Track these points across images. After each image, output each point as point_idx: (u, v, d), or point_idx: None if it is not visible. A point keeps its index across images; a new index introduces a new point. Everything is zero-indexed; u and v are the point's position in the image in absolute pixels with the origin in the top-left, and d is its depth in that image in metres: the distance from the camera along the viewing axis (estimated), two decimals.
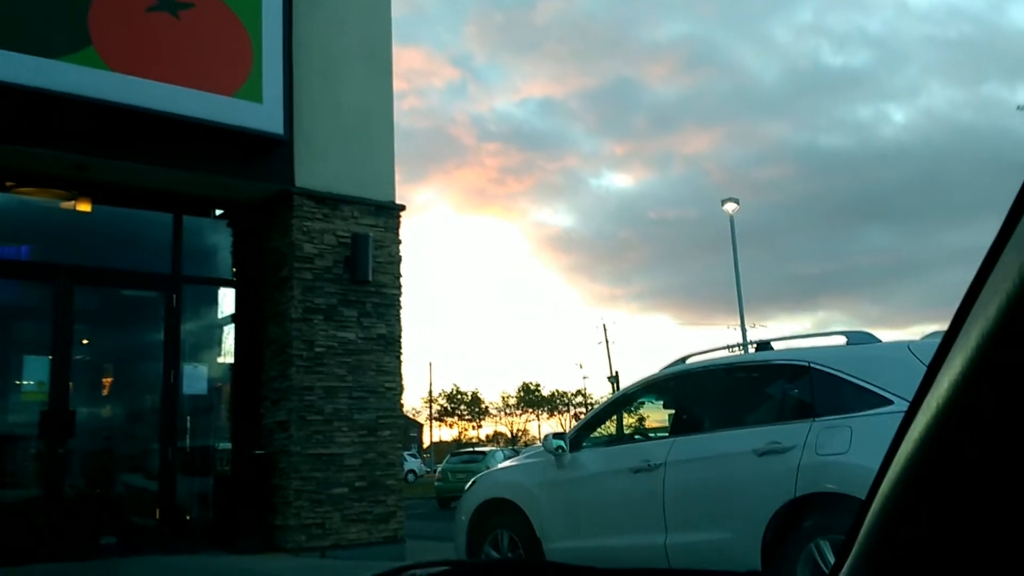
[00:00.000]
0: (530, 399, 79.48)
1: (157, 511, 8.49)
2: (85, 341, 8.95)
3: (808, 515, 4.49)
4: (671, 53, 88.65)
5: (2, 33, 7.22)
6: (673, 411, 5.90)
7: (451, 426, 79.79)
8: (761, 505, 4.67)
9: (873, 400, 4.52)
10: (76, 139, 7.81)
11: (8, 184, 8.28)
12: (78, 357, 8.59)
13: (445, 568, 1.49)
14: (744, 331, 26.78)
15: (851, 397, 4.65)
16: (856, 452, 4.33)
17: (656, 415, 6.41)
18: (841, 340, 5.21)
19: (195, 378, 9.04)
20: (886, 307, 77.87)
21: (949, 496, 0.68)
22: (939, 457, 0.68)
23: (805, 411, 4.86)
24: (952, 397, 0.65)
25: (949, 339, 0.67)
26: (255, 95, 8.48)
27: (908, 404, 0.74)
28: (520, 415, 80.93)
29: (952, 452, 0.67)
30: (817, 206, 78.89)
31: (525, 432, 78.90)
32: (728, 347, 6.55)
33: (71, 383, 8.20)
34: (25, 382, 8.66)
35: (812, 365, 4.94)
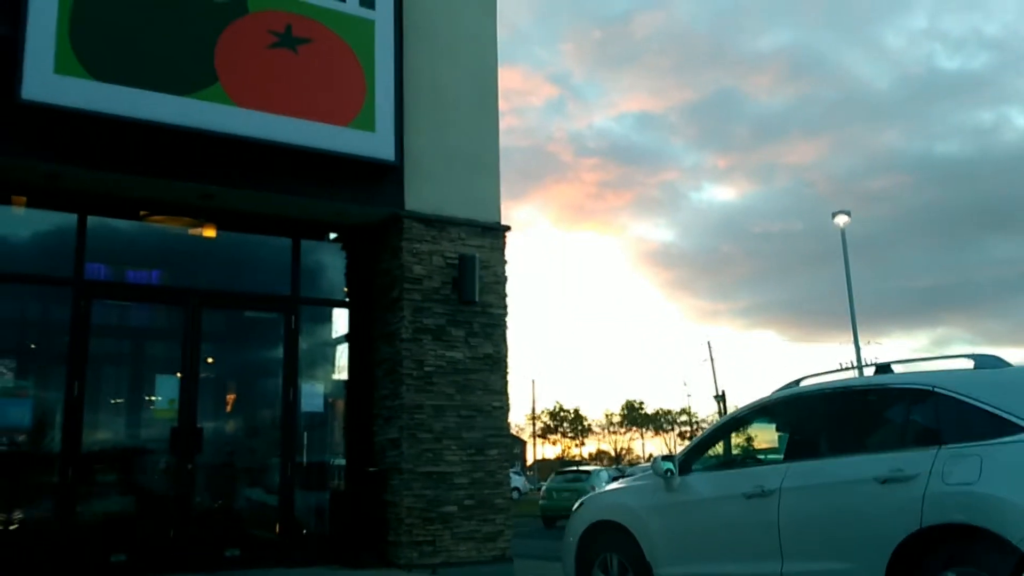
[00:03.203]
0: (634, 417, 78.60)
1: (277, 525, 8.85)
2: (211, 360, 9.45)
3: (935, 547, 4.30)
4: (775, 62, 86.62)
5: (140, 74, 7.77)
6: (787, 435, 5.76)
7: (554, 443, 79.70)
8: (884, 535, 4.50)
9: (1004, 427, 4.31)
10: (204, 170, 8.31)
11: (142, 213, 8.87)
12: (204, 376, 9.06)
13: None
14: (858, 348, 25.76)
15: (980, 424, 4.44)
16: (987, 482, 4.12)
17: (767, 438, 6.26)
18: (967, 363, 4.99)
19: (312, 396, 9.40)
20: (1011, 322, 73.41)
21: None
22: None
23: (930, 438, 4.67)
24: None
25: None
26: (368, 124, 8.81)
27: None
28: (623, 433, 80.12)
29: None
30: (934, 216, 75.28)
31: (629, 451, 78.00)
32: (843, 368, 6.34)
33: (199, 401, 8.66)
34: (156, 399, 9.19)
35: (937, 389, 4.75)
